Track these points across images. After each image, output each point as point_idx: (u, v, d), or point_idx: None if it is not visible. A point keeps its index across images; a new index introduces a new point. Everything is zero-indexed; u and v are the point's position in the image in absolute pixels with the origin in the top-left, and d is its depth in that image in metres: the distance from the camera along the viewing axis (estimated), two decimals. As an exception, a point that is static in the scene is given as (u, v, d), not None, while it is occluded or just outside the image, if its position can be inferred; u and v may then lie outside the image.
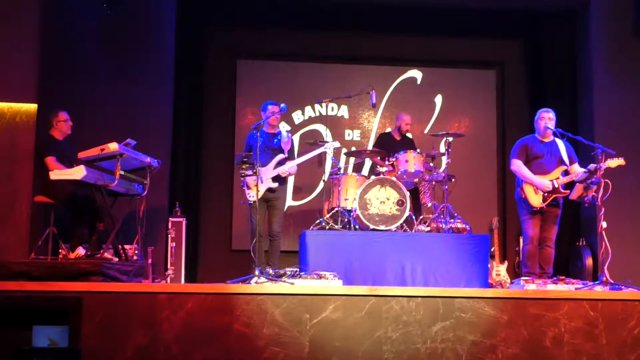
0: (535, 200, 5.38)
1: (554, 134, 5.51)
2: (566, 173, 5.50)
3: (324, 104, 7.33)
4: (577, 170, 5.36)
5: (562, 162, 5.45)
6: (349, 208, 6.21)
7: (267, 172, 5.89)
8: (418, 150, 6.64)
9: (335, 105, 7.72)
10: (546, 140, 5.53)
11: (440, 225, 6.23)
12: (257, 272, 4.55)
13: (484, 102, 8.02)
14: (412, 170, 6.40)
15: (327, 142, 6.22)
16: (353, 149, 7.38)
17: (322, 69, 7.77)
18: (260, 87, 7.55)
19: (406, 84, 7.97)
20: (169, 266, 5.90)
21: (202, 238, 7.32)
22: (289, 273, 4.78)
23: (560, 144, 5.43)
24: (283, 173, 5.89)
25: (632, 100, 6.86)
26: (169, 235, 5.99)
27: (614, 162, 5.04)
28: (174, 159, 6.67)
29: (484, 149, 8.00)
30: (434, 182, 6.79)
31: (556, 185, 5.32)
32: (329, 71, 7.76)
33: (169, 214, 6.28)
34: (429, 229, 6.27)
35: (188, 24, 7.03)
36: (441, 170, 6.92)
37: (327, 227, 6.08)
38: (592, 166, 5.03)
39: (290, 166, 5.91)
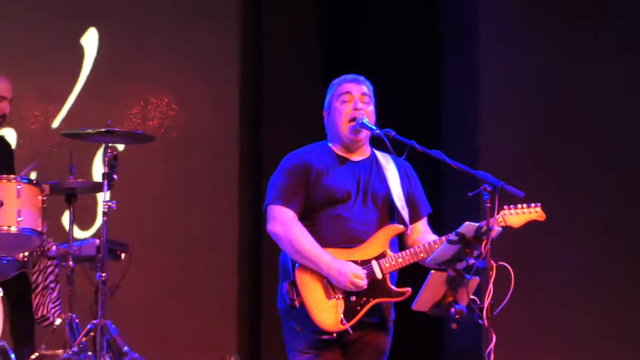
0: (329, 314, 4.63)
1: (373, 139, 4.90)
2: (402, 243, 4.91)
3: None
4: (428, 237, 4.83)
5: (394, 213, 4.86)
6: None
7: None
8: (30, 177, 6.11)
9: None
10: (355, 157, 4.90)
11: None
12: None
13: (212, 48, 7.42)
14: (15, 230, 5.69)
15: None
16: None
17: None
18: None
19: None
20: None
21: None
22: None
23: (391, 169, 4.93)
24: None
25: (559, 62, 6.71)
26: None
27: (521, 217, 4.66)
28: None
29: (210, 174, 7.22)
30: (70, 263, 6.02)
31: (379, 276, 4.63)
32: None
33: None
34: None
35: None
36: (92, 229, 6.93)
37: None
38: (467, 228, 4.43)
39: None
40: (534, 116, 6.89)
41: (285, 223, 4.72)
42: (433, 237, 4.76)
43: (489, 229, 4.33)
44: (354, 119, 4.68)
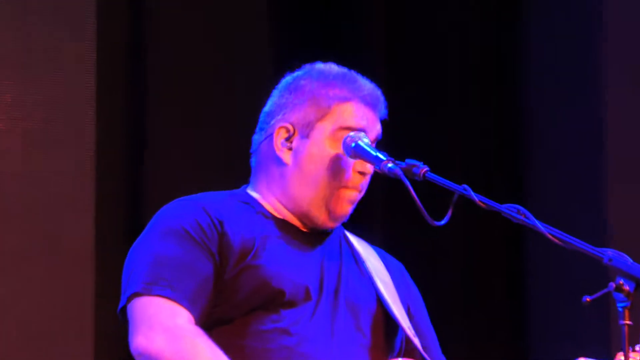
0: None
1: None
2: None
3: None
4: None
5: (393, 339, 4.11)
6: None
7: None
8: None
9: None
10: (330, 223, 4.26)
11: None
12: None
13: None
14: None
15: None
16: None
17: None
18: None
19: None
20: None
21: None
22: None
23: (373, 262, 4.44)
24: None
25: None
26: None
27: None
28: None
29: (50, 238, 6.50)
30: None
31: None
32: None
33: None
34: None
35: None
36: None
37: None
38: None
39: None
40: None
41: (174, 334, 3.44)
42: None
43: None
44: (350, 145, 3.62)
